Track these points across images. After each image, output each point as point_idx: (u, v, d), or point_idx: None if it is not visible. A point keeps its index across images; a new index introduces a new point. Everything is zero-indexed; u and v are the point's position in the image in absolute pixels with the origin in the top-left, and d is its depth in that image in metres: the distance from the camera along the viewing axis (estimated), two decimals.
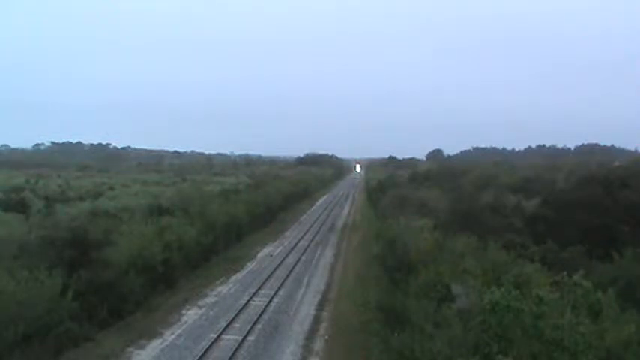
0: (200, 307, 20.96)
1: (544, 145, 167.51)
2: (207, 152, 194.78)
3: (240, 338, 17.13)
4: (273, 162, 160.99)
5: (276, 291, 23.55)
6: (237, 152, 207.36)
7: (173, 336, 17.53)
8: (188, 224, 28.17)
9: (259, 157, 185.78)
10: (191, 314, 20.04)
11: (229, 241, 34.19)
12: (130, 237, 22.10)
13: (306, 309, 21.37)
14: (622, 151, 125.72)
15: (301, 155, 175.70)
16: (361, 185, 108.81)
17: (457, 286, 15.44)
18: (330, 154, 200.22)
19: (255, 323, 18.86)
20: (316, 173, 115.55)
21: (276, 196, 54.02)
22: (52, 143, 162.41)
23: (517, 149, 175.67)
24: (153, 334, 17.60)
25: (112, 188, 50.96)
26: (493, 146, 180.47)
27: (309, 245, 36.55)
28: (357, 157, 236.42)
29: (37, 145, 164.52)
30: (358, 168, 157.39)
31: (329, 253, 34.23)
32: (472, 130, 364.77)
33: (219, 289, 24.05)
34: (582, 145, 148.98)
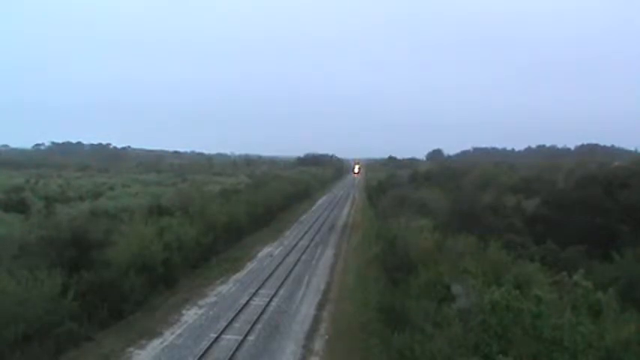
0: (200, 307, 20.96)
1: (544, 145, 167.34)
2: (207, 152, 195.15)
3: (241, 338, 17.11)
4: (273, 162, 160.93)
5: (277, 291, 23.54)
6: (237, 152, 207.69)
7: (173, 336, 17.52)
8: (188, 224, 28.14)
9: (259, 157, 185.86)
10: (191, 314, 20.03)
11: (229, 241, 34.14)
12: (130, 237, 22.06)
13: (307, 309, 21.36)
14: (622, 151, 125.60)
15: (301, 155, 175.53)
16: (361, 185, 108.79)
17: (457, 286, 15.44)
18: (330, 154, 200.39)
19: (255, 323, 18.84)
20: (316, 173, 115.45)
21: (276, 196, 53.96)
22: (52, 143, 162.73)
23: (517, 149, 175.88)
24: (153, 334, 17.58)
25: (112, 188, 51.04)
26: (493, 146, 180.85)
27: (309, 245, 36.53)
28: (357, 157, 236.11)
29: (37, 145, 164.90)
30: (357, 169, 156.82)
31: (329, 253, 34.21)
32: (472, 130, 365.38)
33: (219, 289, 24.04)
34: (582, 145, 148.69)
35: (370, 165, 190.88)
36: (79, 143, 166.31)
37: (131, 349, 16.20)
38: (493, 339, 11.09)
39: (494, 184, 49.37)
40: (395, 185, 63.16)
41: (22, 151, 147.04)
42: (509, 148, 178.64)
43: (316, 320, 19.90)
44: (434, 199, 39.39)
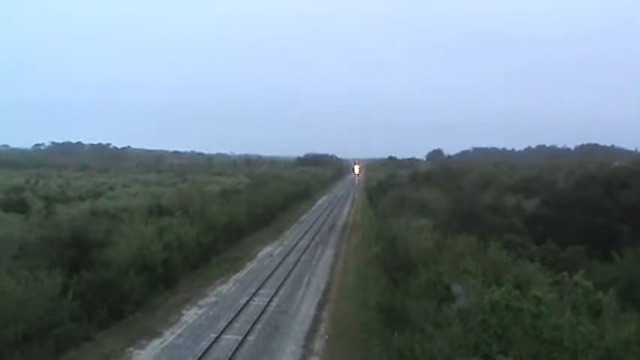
0: (200, 307, 20.96)
1: (544, 145, 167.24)
2: (207, 152, 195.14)
3: (241, 338, 17.12)
4: (273, 162, 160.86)
5: (277, 291, 23.55)
6: (237, 152, 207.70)
7: (173, 336, 17.53)
8: (188, 224, 28.15)
9: (259, 157, 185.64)
10: (191, 314, 20.04)
11: (229, 241, 34.15)
12: (130, 237, 22.07)
13: (307, 309, 21.36)
14: (622, 151, 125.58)
15: (301, 155, 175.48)
16: (361, 185, 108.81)
17: (457, 286, 15.42)
18: (330, 154, 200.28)
19: (255, 323, 18.85)
20: (316, 173, 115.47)
21: (276, 196, 53.99)
22: (52, 143, 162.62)
23: (517, 149, 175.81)
24: (153, 334, 17.59)
25: (112, 188, 51.04)
26: (493, 146, 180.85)
27: (309, 245, 36.54)
28: (357, 157, 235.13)
29: (37, 145, 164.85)
30: (357, 169, 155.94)
31: (329, 253, 34.22)
32: (472, 130, 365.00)
33: (219, 289, 24.04)
34: (582, 145, 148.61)
35: (370, 165, 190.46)
36: (79, 143, 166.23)
37: (131, 349, 16.20)
38: (493, 339, 11.09)
39: (494, 184, 49.41)
40: (395, 185, 63.16)
41: (22, 151, 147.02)
42: (509, 148, 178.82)
43: (316, 320, 19.90)
44: (434, 199, 39.39)
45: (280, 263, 29.87)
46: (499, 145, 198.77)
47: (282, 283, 25.04)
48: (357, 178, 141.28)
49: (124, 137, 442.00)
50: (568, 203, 32.16)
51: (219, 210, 34.77)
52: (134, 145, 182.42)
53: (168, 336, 17.51)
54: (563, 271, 13.83)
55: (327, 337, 18.04)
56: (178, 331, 17.98)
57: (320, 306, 21.87)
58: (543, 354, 10.60)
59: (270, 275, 26.74)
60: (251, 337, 17.50)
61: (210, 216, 32.24)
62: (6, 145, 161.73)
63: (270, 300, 22.03)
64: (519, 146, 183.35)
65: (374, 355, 15.69)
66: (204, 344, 16.51)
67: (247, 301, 21.65)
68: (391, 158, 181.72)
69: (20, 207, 32.70)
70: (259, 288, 23.98)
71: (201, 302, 21.67)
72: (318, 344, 17.34)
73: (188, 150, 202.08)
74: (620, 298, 13.56)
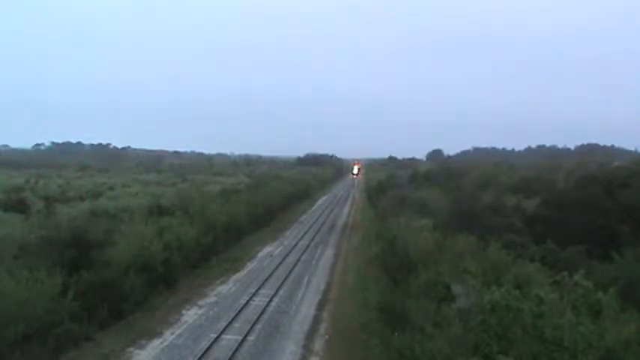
0: (200, 307, 20.96)
1: (544, 145, 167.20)
2: (207, 152, 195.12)
3: (241, 338, 17.12)
4: (273, 162, 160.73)
5: (277, 291, 23.54)
6: (237, 152, 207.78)
7: (173, 336, 17.53)
8: (188, 224, 28.14)
9: (259, 157, 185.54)
10: (191, 314, 20.04)
11: (229, 241, 34.15)
12: (130, 237, 22.06)
13: (307, 309, 21.36)
14: (622, 151, 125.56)
15: (301, 155, 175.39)
16: (361, 185, 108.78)
17: (457, 286, 15.44)
18: (330, 154, 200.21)
19: (255, 323, 18.85)
20: (316, 173, 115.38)
21: (276, 196, 53.99)
22: (52, 143, 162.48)
23: (517, 149, 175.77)
24: (153, 334, 17.59)
25: (112, 188, 51.01)
26: (493, 146, 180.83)
27: (309, 245, 36.54)
28: (357, 157, 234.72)
29: (37, 145, 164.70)
30: (356, 169, 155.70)
31: (329, 253, 34.22)
32: (472, 130, 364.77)
33: (219, 289, 24.04)
34: (582, 145, 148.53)
35: (370, 165, 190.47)
36: (79, 143, 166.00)
37: (131, 349, 16.20)
38: (493, 339, 11.09)
39: (494, 184, 49.40)
40: (395, 185, 63.13)
41: (22, 151, 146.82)
42: (509, 148, 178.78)
43: (316, 320, 19.91)
44: (434, 199, 39.37)
45: (280, 263, 29.87)
46: (499, 145, 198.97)
47: (282, 283, 25.04)
48: (356, 178, 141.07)
49: (124, 137, 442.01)
50: (568, 203, 32.14)
51: (219, 210, 34.76)
52: (134, 145, 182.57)
53: (168, 336, 17.51)
54: (563, 271, 13.85)
55: (327, 337, 18.04)
56: (178, 331, 17.98)
57: (320, 306, 21.87)
58: (543, 354, 10.60)
59: (270, 275, 26.74)
60: (251, 337, 17.50)
61: (210, 216, 32.24)
62: (6, 145, 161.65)
63: (270, 300, 22.02)
64: (519, 146, 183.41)
65: (374, 355, 15.70)
66: (204, 344, 16.51)
67: (247, 301, 21.65)
68: (391, 158, 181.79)
69: (20, 207, 32.70)
70: (259, 288, 23.98)
71: (201, 302, 21.66)
72: (318, 344, 17.34)
73: (188, 150, 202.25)
74: (620, 298, 13.55)
